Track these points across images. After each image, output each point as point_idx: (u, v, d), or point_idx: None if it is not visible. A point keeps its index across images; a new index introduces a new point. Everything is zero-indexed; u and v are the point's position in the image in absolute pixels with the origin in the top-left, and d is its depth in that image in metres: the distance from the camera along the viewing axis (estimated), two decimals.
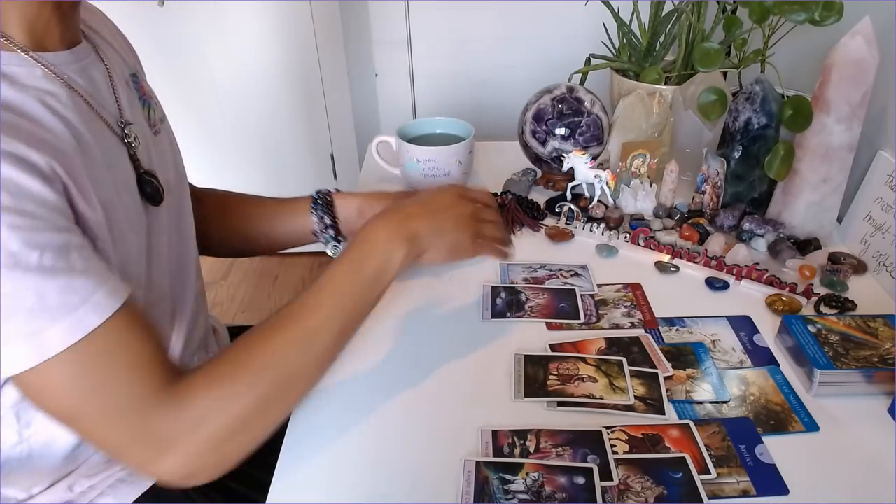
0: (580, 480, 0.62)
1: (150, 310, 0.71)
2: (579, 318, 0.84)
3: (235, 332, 0.98)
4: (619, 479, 0.62)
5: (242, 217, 0.94)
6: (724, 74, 1.15)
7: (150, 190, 0.67)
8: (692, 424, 0.68)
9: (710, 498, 0.60)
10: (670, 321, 0.83)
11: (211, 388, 0.57)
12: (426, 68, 2.04)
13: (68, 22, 0.62)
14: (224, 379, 0.57)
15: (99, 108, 0.64)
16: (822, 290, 0.88)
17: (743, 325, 0.83)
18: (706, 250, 0.94)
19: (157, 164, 0.72)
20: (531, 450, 0.65)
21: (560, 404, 0.71)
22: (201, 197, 0.90)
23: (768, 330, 0.82)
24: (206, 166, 2.13)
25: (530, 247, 1.00)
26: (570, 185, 1.08)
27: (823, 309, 0.85)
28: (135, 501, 0.73)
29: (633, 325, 0.83)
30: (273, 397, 0.59)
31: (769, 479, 0.62)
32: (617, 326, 0.83)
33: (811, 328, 0.75)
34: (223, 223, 0.92)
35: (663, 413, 0.70)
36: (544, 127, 1.09)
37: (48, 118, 0.56)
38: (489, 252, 0.77)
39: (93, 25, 0.74)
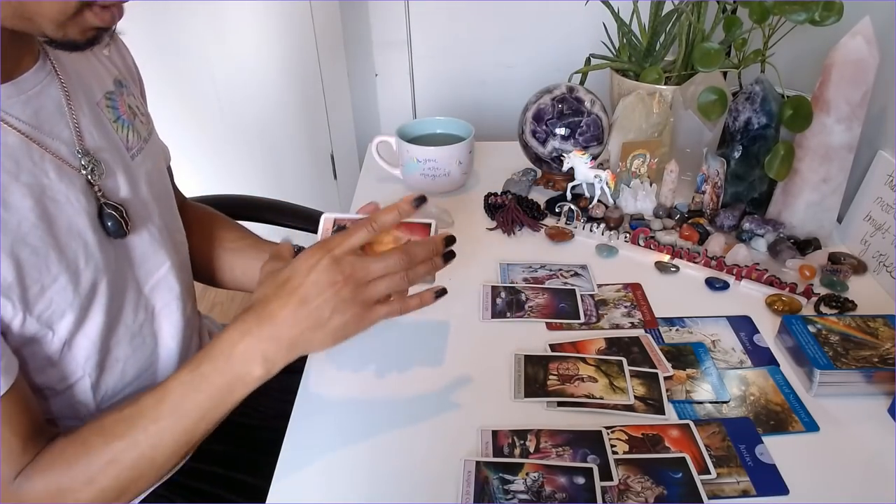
0: (580, 480, 0.62)
1: (120, 345, 0.69)
2: (579, 318, 0.84)
3: None
4: (619, 479, 0.62)
5: (216, 240, 0.90)
6: (724, 74, 1.15)
7: (111, 223, 0.64)
8: (692, 424, 0.68)
9: (710, 498, 0.60)
10: (670, 321, 0.83)
11: (50, 494, 0.58)
12: (426, 68, 2.04)
13: (8, 54, 0.58)
14: (63, 488, 0.58)
15: (46, 141, 0.60)
16: (822, 290, 0.88)
17: (743, 325, 0.83)
18: (706, 250, 0.94)
19: (132, 192, 0.69)
20: (531, 450, 0.65)
21: (560, 404, 0.71)
22: (183, 208, 0.85)
23: (768, 330, 0.82)
24: (205, 166, 2.13)
25: (530, 247, 1.00)
26: (570, 185, 1.08)
27: (823, 309, 0.85)
28: None
29: (633, 325, 0.83)
30: (110, 499, 0.60)
31: (769, 479, 0.62)
32: (617, 326, 0.83)
33: (811, 328, 0.75)
34: (193, 240, 0.84)
35: (663, 413, 0.70)
36: (544, 127, 1.09)
37: None
38: (389, 315, 0.63)
39: None
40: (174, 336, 0.76)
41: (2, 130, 0.57)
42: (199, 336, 0.85)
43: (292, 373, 0.76)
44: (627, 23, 1.22)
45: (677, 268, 0.94)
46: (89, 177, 0.63)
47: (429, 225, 0.67)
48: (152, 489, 0.76)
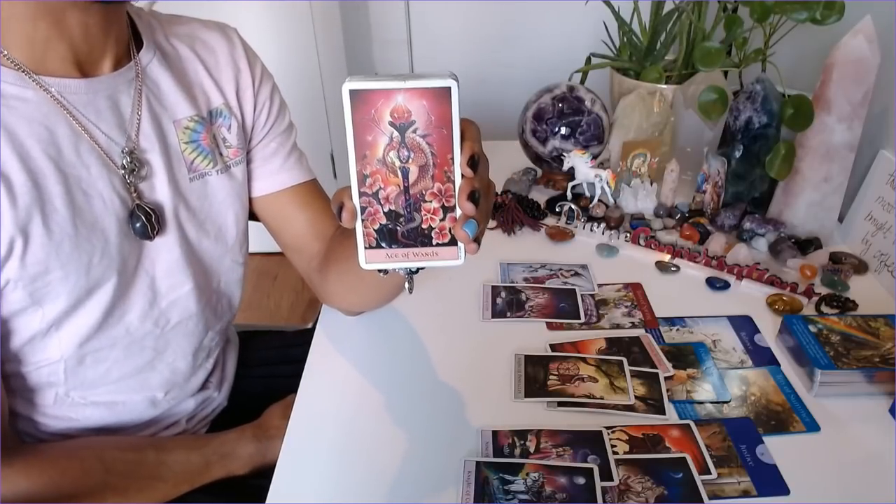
0: (580, 481, 0.61)
1: (114, 347, 0.68)
2: (579, 318, 0.84)
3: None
4: (620, 480, 0.62)
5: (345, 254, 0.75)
6: (725, 73, 1.15)
7: (139, 225, 0.65)
8: (693, 424, 0.68)
9: (710, 498, 0.60)
10: (671, 321, 0.83)
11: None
12: (426, 68, 2.04)
13: (79, 46, 0.60)
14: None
15: (99, 137, 0.62)
16: (823, 290, 0.88)
17: (744, 325, 0.82)
18: (707, 250, 0.94)
19: (173, 203, 0.68)
20: (531, 450, 0.65)
21: (560, 404, 0.71)
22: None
23: (769, 330, 0.81)
24: None
25: (530, 246, 1.00)
26: (571, 184, 1.07)
27: (824, 309, 0.85)
28: None
29: (633, 325, 0.83)
30: None
31: (770, 480, 0.62)
32: (617, 326, 0.82)
33: (812, 328, 0.75)
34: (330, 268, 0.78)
35: (664, 413, 0.69)
36: (545, 126, 1.08)
37: None
38: None
39: (199, 53, 0.72)
40: (184, 356, 0.76)
41: (58, 119, 0.60)
42: (214, 359, 0.84)
43: (292, 377, 0.76)
44: (628, 22, 1.21)
45: (678, 267, 0.93)
46: (127, 176, 0.65)
47: (447, 90, 0.46)
48: None
